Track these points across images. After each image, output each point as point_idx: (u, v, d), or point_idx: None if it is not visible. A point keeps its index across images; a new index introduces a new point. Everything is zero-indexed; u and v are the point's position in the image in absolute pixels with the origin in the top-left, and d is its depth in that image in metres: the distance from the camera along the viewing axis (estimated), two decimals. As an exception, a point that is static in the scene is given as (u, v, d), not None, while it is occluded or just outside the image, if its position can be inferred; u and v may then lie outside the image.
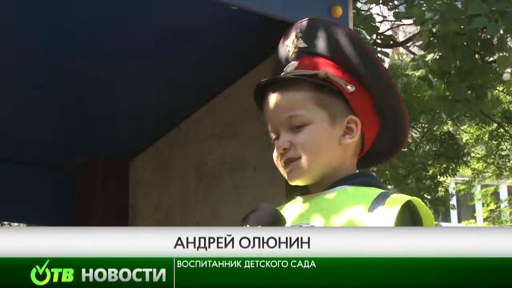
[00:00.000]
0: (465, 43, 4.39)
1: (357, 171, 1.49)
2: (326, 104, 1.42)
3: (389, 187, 6.90)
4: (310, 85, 1.42)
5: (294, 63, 1.46)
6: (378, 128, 1.48)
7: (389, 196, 1.33)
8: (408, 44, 6.64)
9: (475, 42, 4.46)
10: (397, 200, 1.32)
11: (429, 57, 4.83)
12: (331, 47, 1.45)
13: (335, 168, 1.43)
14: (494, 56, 5.07)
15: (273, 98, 1.44)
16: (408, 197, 1.34)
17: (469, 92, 4.82)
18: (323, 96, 1.42)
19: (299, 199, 1.46)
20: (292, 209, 1.44)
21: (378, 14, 6.24)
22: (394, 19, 6.31)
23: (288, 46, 1.49)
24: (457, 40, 4.27)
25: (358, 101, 1.43)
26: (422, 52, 5.22)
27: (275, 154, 1.44)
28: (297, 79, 1.43)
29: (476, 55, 4.72)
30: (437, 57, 4.62)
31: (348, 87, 1.42)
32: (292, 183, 1.44)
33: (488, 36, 4.63)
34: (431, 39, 4.37)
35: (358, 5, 5.56)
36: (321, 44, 1.45)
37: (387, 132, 1.49)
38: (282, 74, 1.47)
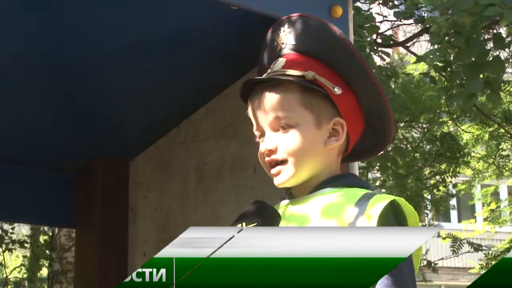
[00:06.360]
0: (480, 36, 4.40)
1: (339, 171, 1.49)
2: (313, 106, 1.41)
3: (390, 183, 6.89)
4: (297, 86, 1.41)
5: (281, 60, 1.45)
6: (363, 128, 1.48)
7: (373, 196, 1.34)
8: (408, 44, 6.62)
9: (485, 32, 4.47)
10: (381, 198, 1.33)
11: (440, 49, 4.77)
12: (319, 47, 1.44)
13: (320, 169, 1.43)
14: (506, 50, 5.08)
15: (260, 97, 1.44)
16: (392, 197, 1.34)
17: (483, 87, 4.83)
18: (310, 98, 1.41)
19: (283, 203, 1.46)
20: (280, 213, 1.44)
21: (378, 14, 6.22)
22: (394, 19, 6.30)
23: (276, 40, 1.48)
24: (472, 32, 4.27)
25: (344, 103, 1.43)
26: (423, 51, 5.21)
27: (260, 153, 1.44)
28: (285, 79, 1.42)
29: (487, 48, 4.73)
30: (450, 51, 4.60)
31: (336, 89, 1.42)
32: (278, 186, 1.43)
33: (499, 31, 4.64)
34: (448, 32, 4.36)
35: (358, 4, 5.54)
36: (309, 42, 1.45)
37: (373, 132, 1.49)
38: (269, 70, 1.46)
